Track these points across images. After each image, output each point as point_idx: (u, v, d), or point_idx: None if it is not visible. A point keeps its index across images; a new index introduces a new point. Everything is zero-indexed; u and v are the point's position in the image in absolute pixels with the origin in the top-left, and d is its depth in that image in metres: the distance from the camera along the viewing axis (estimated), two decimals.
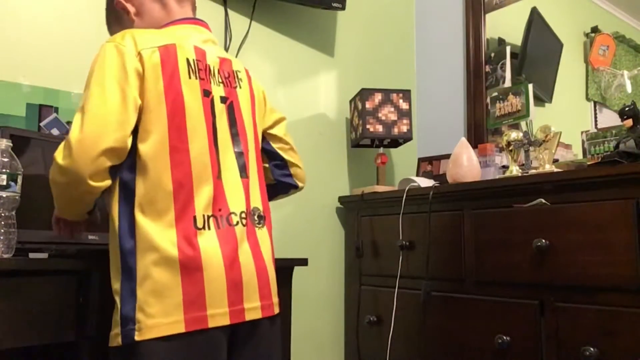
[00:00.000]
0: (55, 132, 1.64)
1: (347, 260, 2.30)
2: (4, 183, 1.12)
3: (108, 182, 1.06)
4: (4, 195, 1.12)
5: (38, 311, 1.12)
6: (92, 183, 1.03)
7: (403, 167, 2.60)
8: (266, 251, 1.20)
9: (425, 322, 1.84)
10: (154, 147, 1.06)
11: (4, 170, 1.12)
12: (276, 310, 1.20)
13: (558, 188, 1.54)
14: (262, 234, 1.21)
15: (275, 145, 1.40)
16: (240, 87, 1.26)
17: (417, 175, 2.42)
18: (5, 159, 1.13)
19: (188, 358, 1.03)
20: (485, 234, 1.69)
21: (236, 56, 2.12)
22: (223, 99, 1.20)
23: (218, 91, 1.20)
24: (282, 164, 1.41)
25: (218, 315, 1.06)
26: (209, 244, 1.07)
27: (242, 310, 1.10)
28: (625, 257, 1.36)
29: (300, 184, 1.45)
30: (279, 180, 1.42)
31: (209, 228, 1.09)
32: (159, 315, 1.02)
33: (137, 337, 1.01)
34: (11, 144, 1.16)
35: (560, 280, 1.49)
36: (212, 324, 1.05)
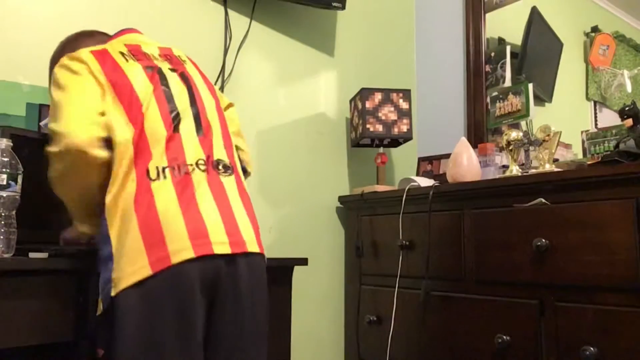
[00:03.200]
0: None
1: (347, 260, 2.30)
2: (4, 183, 1.12)
3: (105, 154, 1.12)
4: (4, 195, 1.12)
5: (38, 311, 1.12)
6: (90, 150, 1.10)
7: (403, 167, 2.60)
8: (233, 196, 1.19)
9: (425, 321, 1.84)
10: (117, 121, 1.14)
11: (4, 169, 1.13)
12: (251, 248, 1.16)
13: (558, 188, 1.54)
14: (228, 180, 1.21)
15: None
16: (186, 64, 1.34)
17: (417, 174, 2.42)
18: (6, 159, 1.13)
19: (160, 299, 1.04)
20: (485, 233, 1.69)
21: (236, 56, 2.12)
22: (172, 70, 1.28)
23: (164, 65, 1.28)
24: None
25: (182, 250, 1.06)
26: (162, 188, 1.11)
27: (208, 244, 1.08)
28: (625, 257, 1.36)
29: (248, 168, 1.49)
30: None
31: (165, 177, 1.12)
32: (127, 265, 1.05)
33: (112, 293, 1.04)
34: (11, 144, 1.16)
35: (560, 280, 1.49)
36: (175, 259, 1.05)
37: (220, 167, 1.21)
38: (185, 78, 1.29)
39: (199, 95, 1.29)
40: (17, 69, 1.62)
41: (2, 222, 1.12)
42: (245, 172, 1.46)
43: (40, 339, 1.12)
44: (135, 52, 1.26)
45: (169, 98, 1.21)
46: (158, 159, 1.13)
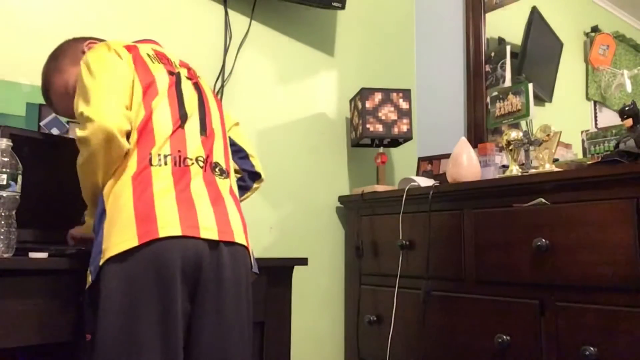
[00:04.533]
0: (55, 131, 1.64)
1: (347, 260, 2.30)
2: (4, 182, 1.12)
3: (128, 145, 1.16)
4: (4, 195, 1.12)
5: (38, 311, 1.12)
6: (118, 136, 1.12)
7: (403, 167, 2.60)
8: (226, 195, 1.23)
9: (425, 321, 1.84)
10: (134, 113, 1.19)
11: (4, 169, 1.12)
12: (239, 239, 1.19)
13: (558, 187, 1.54)
14: (223, 183, 1.25)
15: (237, 141, 1.52)
16: (200, 79, 1.40)
17: (417, 174, 2.42)
18: (6, 159, 1.13)
19: (142, 281, 1.05)
20: (485, 233, 1.69)
21: (236, 56, 2.12)
22: (188, 78, 1.35)
23: (183, 72, 1.35)
24: (245, 155, 1.52)
25: (170, 227, 1.08)
26: (161, 173, 1.14)
27: (196, 227, 1.11)
28: (625, 257, 1.36)
29: (262, 174, 1.54)
30: (244, 170, 1.51)
31: (166, 164, 1.16)
32: (116, 236, 1.07)
33: (101, 263, 1.06)
34: (11, 144, 1.16)
35: (560, 280, 1.49)
36: (162, 233, 1.07)
37: (217, 169, 1.26)
38: (197, 88, 1.36)
39: (208, 104, 1.35)
40: (17, 69, 1.62)
41: (2, 222, 1.12)
42: (259, 177, 1.53)
43: (40, 339, 1.12)
44: (161, 56, 1.34)
45: (180, 101, 1.27)
46: (161, 146, 1.18)
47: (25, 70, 1.63)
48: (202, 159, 1.23)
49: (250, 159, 1.52)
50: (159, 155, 1.16)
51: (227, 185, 1.27)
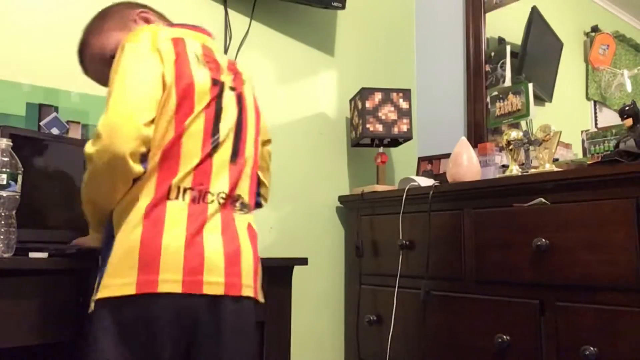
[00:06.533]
0: (55, 131, 1.64)
1: (347, 260, 2.30)
2: (4, 182, 1.12)
3: (142, 169, 1.06)
4: (4, 195, 1.12)
5: (38, 311, 1.12)
6: (130, 161, 1.02)
7: (403, 167, 2.60)
8: (243, 235, 1.15)
9: (425, 321, 1.84)
10: (162, 130, 1.08)
11: (4, 169, 1.12)
12: (246, 292, 1.11)
13: (558, 187, 1.54)
14: (241, 219, 1.17)
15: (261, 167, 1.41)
16: (245, 85, 1.28)
17: (417, 174, 2.42)
18: (5, 159, 1.13)
19: (134, 323, 1.01)
20: (485, 233, 1.69)
21: (236, 56, 2.12)
22: (232, 89, 1.22)
23: (227, 81, 1.22)
24: (259, 190, 1.41)
25: (170, 281, 1.01)
26: (176, 209, 1.06)
27: (200, 282, 1.03)
28: (625, 257, 1.36)
29: (264, 203, 1.44)
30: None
31: (184, 200, 1.08)
32: (115, 276, 1.02)
33: (95, 297, 1.03)
34: (11, 144, 1.16)
35: (560, 280, 1.49)
36: (162, 289, 1.00)
37: (237, 203, 1.17)
38: (240, 101, 1.24)
39: (246, 125, 1.24)
40: (17, 69, 1.62)
41: (2, 222, 1.12)
42: (259, 205, 1.42)
43: (40, 339, 1.12)
44: (208, 59, 1.20)
45: (216, 124, 1.16)
46: (183, 178, 1.08)
47: (25, 70, 1.63)
48: (224, 195, 1.13)
49: (262, 189, 1.41)
50: (179, 187, 1.07)
51: (246, 222, 1.18)
